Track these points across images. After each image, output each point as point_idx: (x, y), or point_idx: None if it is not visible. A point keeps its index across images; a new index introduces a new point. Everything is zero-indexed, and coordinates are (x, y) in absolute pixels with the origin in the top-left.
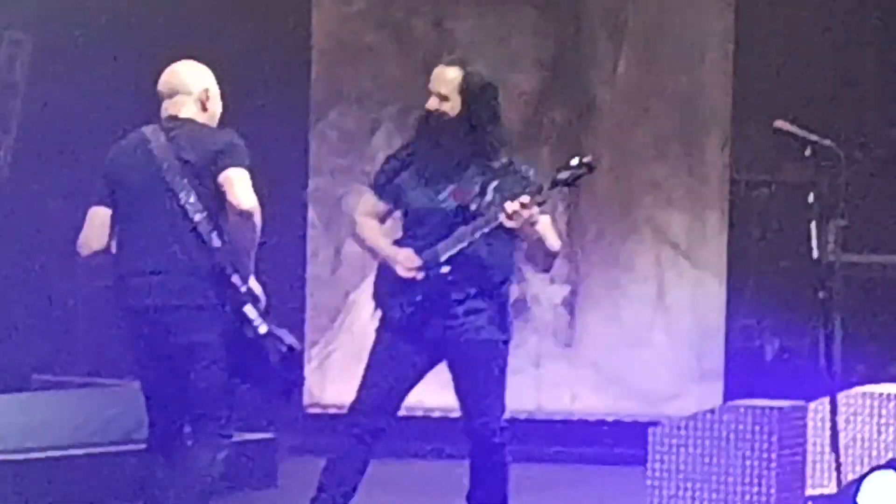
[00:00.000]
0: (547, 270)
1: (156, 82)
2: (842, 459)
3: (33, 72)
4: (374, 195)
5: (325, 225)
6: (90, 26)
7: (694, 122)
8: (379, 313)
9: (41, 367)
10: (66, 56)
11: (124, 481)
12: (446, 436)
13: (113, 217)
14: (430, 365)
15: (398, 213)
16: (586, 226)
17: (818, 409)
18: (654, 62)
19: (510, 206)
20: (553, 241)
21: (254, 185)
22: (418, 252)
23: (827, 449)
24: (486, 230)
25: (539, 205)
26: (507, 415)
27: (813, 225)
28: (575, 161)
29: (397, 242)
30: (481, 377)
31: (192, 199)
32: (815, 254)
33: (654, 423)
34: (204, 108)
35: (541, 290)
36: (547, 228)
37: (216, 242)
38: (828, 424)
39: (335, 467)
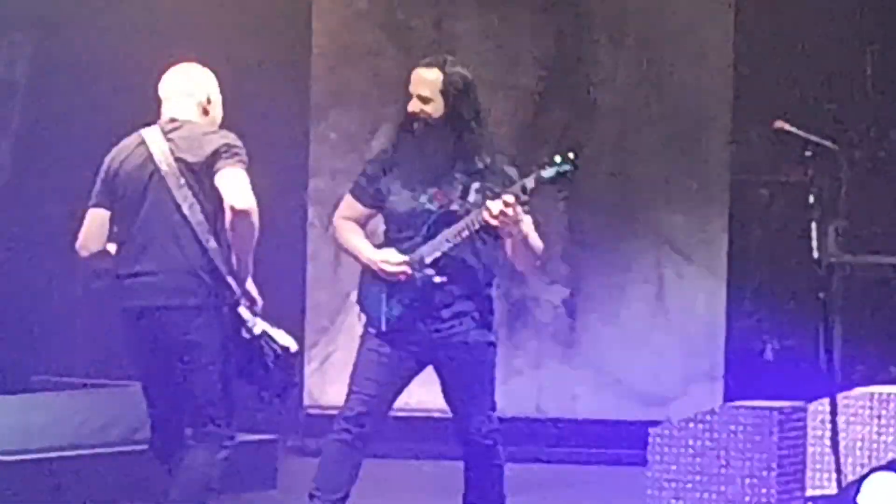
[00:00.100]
0: (531, 271)
1: (155, 83)
2: (842, 460)
3: (33, 72)
4: (354, 199)
5: (325, 225)
6: (90, 26)
7: (694, 123)
8: (364, 318)
9: (41, 368)
10: (66, 56)
11: (124, 481)
12: (446, 436)
13: (111, 218)
14: (418, 369)
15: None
16: (586, 226)
17: (818, 409)
18: (654, 62)
19: (495, 206)
20: (536, 241)
21: (254, 186)
22: None
23: (827, 450)
24: (470, 231)
25: (522, 204)
26: (507, 415)
27: (813, 225)
28: (558, 158)
29: (379, 247)
30: (469, 380)
31: (189, 200)
32: (816, 254)
33: (655, 424)
34: (205, 112)
35: (541, 292)
36: (529, 228)
37: (212, 243)
38: (828, 425)
39: (327, 473)
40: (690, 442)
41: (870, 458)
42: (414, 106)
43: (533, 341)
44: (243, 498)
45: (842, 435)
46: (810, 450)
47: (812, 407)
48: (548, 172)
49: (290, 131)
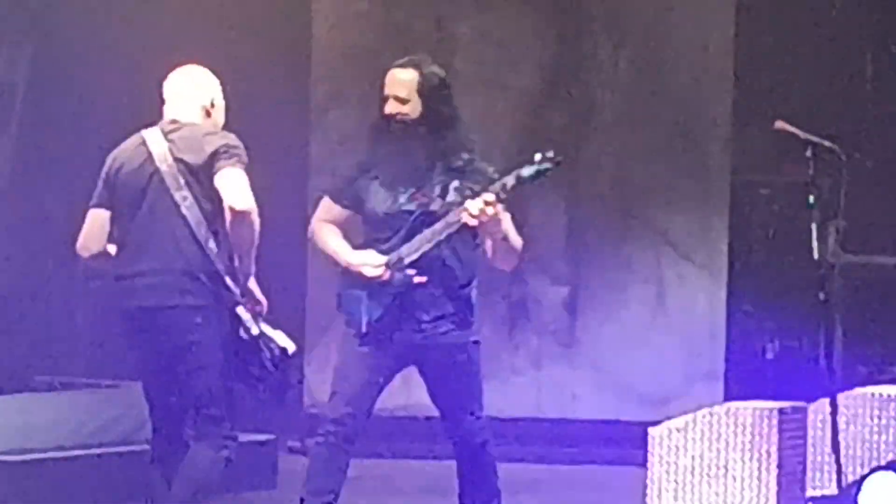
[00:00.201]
0: (511, 269)
1: (155, 83)
2: (842, 460)
3: (33, 72)
4: (332, 201)
5: None
6: (90, 28)
7: (694, 122)
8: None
9: (42, 368)
10: (66, 57)
11: (124, 481)
12: (442, 436)
13: (112, 219)
14: (398, 369)
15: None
16: (586, 226)
17: (818, 409)
18: (654, 62)
19: (475, 206)
20: (516, 239)
21: (254, 186)
22: None
23: (827, 450)
24: (450, 231)
25: (501, 202)
26: (507, 415)
27: (813, 225)
28: (538, 156)
29: (358, 249)
30: (454, 380)
31: (189, 201)
32: (816, 254)
33: (654, 424)
34: (208, 115)
35: (541, 292)
36: (509, 226)
37: (212, 244)
38: (828, 425)
39: (316, 476)
40: (690, 442)
41: (870, 458)
42: (391, 107)
43: (533, 341)
44: (243, 498)
45: (842, 435)
46: (811, 450)
47: (812, 407)
48: (528, 171)
49: (290, 131)
